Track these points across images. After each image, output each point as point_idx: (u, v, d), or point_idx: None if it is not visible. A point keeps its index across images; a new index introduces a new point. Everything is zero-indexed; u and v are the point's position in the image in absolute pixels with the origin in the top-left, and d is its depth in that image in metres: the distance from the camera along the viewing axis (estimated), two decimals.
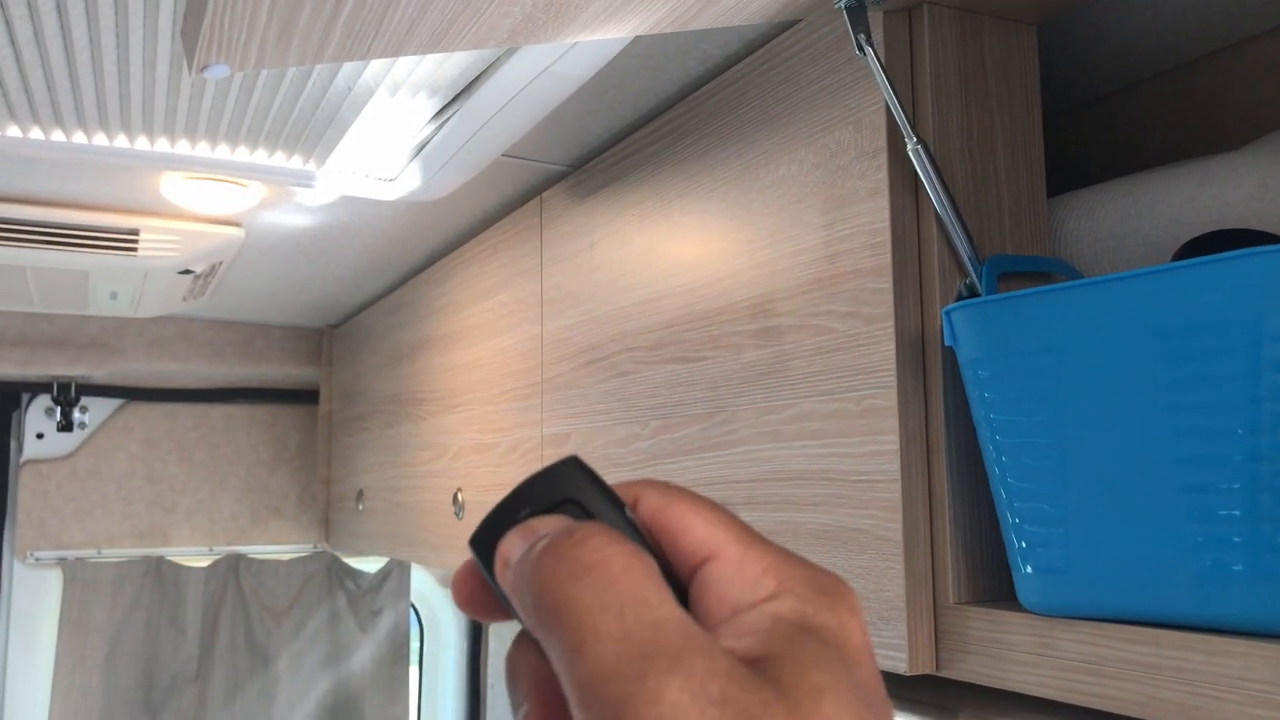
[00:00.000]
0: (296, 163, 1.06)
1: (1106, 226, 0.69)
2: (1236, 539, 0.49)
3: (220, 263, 1.56)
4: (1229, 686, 0.47)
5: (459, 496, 1.36)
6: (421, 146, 1.00)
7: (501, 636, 2.20)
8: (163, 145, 1.00)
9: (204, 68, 0.58)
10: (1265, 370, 0.48)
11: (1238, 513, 0.49)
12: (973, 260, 0.65)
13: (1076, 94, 0.89)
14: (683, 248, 0.89)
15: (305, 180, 1.10)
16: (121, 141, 0.99)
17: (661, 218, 0.93)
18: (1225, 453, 0.49)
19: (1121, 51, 0.82)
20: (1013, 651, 0.58)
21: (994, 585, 0.64)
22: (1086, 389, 0.54)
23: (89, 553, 2.03)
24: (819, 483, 0.70)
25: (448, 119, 0.93)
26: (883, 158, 0.67)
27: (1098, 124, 0.89)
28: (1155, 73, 0.84)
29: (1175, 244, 0.66)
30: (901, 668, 0.62)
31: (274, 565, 2.14)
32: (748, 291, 0.80)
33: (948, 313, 0.61)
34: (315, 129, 0.96)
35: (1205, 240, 0.64)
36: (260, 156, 1.04)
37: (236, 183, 1.20)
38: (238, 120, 0.94)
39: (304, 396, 2.23)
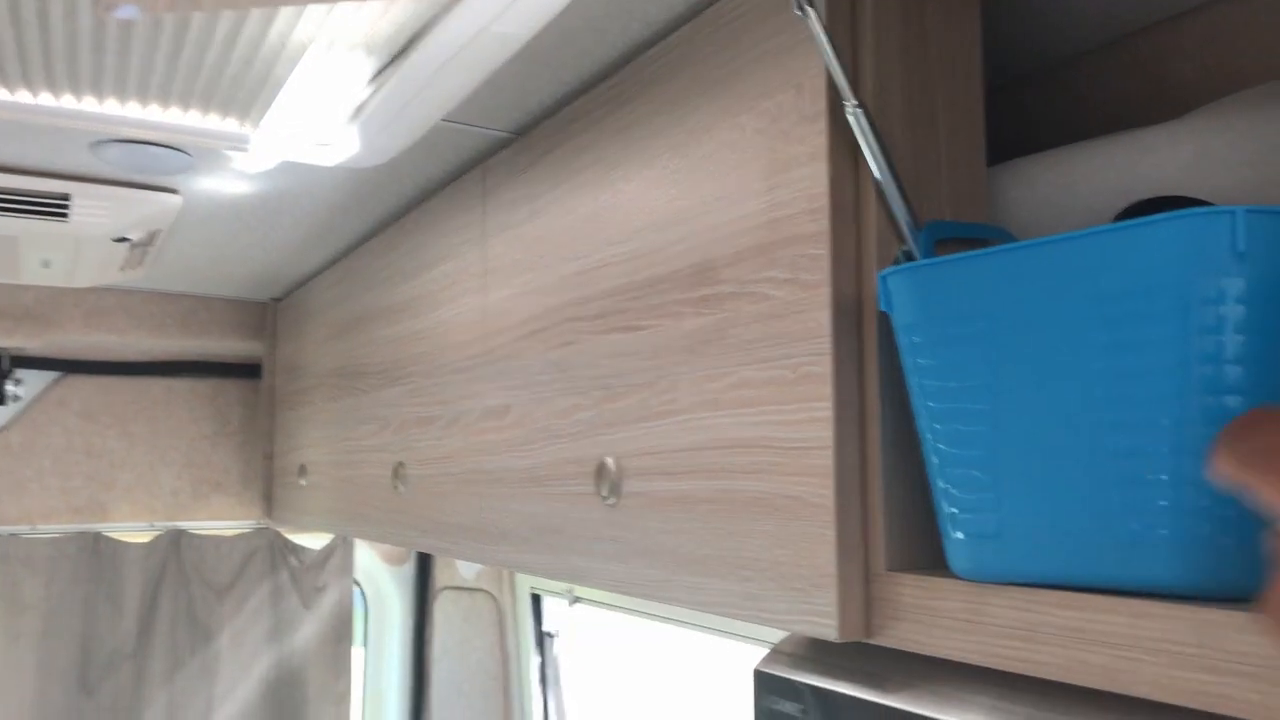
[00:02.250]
0: (231, 125, 1.03)
1: (1046, 195, 0.69)
2: (1163, 503, 0.49)
3: (158, 231, 1.52)
4: (1151, 649, 0.47)
5: (400, 471, 1.34)
6: (359, 109, 0.98)
7: (447, 613, 2.18)
8: (90, 103, 0.97)
9: (109, 8, 0.56)
10: (1193, 334, 0.48)
11: (1165, 477, 0.49)
12: (911, 226, 0.64)
13: (1020, 66, 0.89)
14: (626, 215, 0.88)
15: (240, 143, 1.07)
16: (47, 99, 0.95)
17: (605, 185, 0.91)
18: (1154, 417, 0.49)
19: (1065, 23, 0.82)
20: (942, 618, 0.58)
21: (926, 552, 0.64)
22: (1019, 354, 0.54)
23: (23, 529, 1.99)
24: (755, 450, 0.70)
25: (385, 80, 0.91)
26: (823, 122, 0.66)
27: (1041, 95, 0.89)
28: (1098, 44, 0.83)
29: (1113, 212, 0.66)
30: (832, 635, 0.62)
31: (215, 541, 2.11)
32: (689, 259, 0.79)
33: (883, 277, 0.60)
34: (248, 89, 0.94)
35: (1142, 207, 0.64)
36: (193, 118, 1.02)
37: (171, 146, 1.16)
38: (168, 78, 0.92)
39: (247, 370, 2.19)
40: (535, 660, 2.06)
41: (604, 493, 0.87)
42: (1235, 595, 0.47)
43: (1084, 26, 0.82)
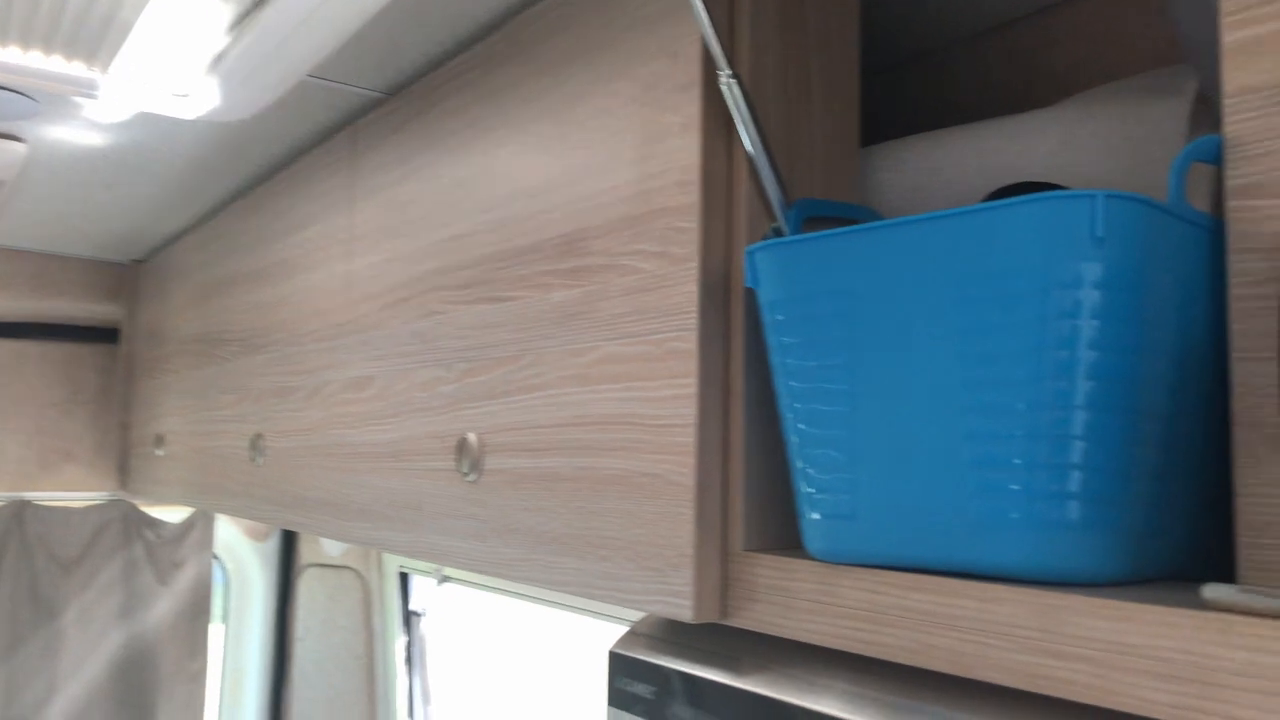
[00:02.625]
0: (77, 69, 0.96)
1: (915, 178, 0.69)
2: (1015, 487, 0.48)
3: (1, 182, 1.42)
4: (997, 633, 0.47)
5: (258, 442, 1.28)
6: (218, 60, 0.92)
7: (312, 590, 2.12)
8: None
9: None
10: (1051, 318, 0.47)
11: (1018, 461, 0.48)
12: (781, 203, 0.63)
13: (899, 50, 0.89)
14: (497, 182, 0.85)
15: (88, 89, 1.00)
16: None
17: (477, 150, 0.88)
18: (1009, 401, 0.49)
19: (944, 11, 0.82)
20: (797, 599, 0.57)
21: (786, 533, 0.63)
22: (879, 335, 0.53)
23: None
24: (619, 427, 0.68)
25: (245, 30, 0.85)
26: (696, 91, 0.64)
27: (920, 81, 0.89)
28: (975, 32, 0.84)
29: (980, 196, 0.66)
30: (687, 616, 0.60)
31: (64, 513, 2.00)
32: (559, 229, 0.77)
33: (750, 253, 0.59)
34: (94, 29, 0.87)
35: (1007, 193, 0.64)
36: (35, 58, 0.94)
37: (12, 89, 1.08)
38: (5, 14, 0.85)
39: (104, 335, 2.08)
40: (401, 640, 2.02)
41: (465, 469, 0.84)
42: (1082, 579, 0.47)
43: (961, 14, 0.82)
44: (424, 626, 2.02)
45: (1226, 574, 0.50)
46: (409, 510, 0.93)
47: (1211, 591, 0.40)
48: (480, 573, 0.82)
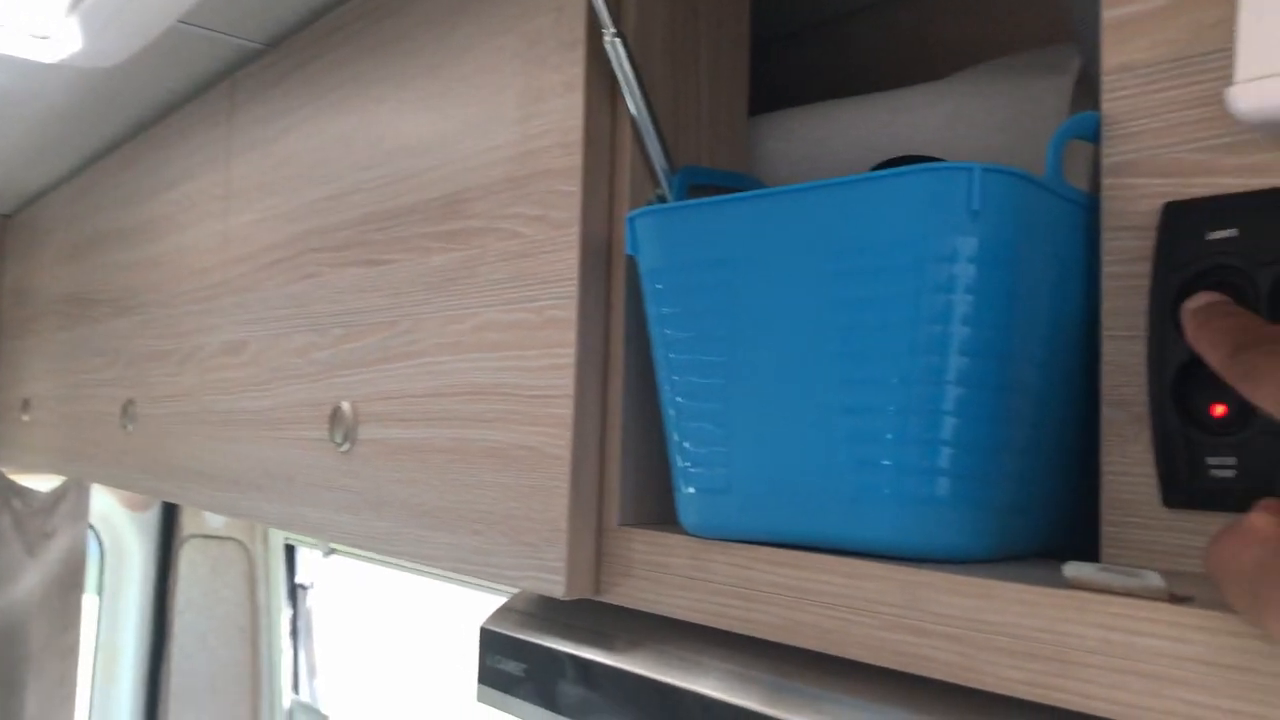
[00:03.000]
0: None
1: (803, 149, 0.68)
2: (887, 462, 0.48)
3: None
4: (863, 609, 0.47)
5: (129, 409, 1.23)
6: (79, 0, 0.87)
7: (193, 562, 2.05)
8: None
9: None
10: (926, 292, 0.47)
11: (890, 436, 0.48)
12: (665, 169, 0.61)
13: (789, 21, 0.88)
14: (377, 139, 0.81)
15: None
16: None
17: (357, 105, 0.84)
18: (885, 375, 0.48)
19: None
20: (670, 575, 0.56)
21: (663, 508, 0.62)
22: (758, 306, 0.52)
23: None
24: (495, 398, 0.66)
25: None
26: (581, 50, 0.62)
27: (809, 52, 0.88)
28: (866, 4, 0.83)
29: (868, 168, 0.65)
30: (559, 592, 0.59)
31: None
32: (440, 189, 0.74)
33: (630, 219, 0.57)
34: None
35: (894, 165, 0.63)
36: None
37: None
38: None
39: None
40: (287, 613, 1.97)
41: (338, 439, 0.81)
42: (951, 556, 0.47)
43: None
44: (310, 599, 1.97)
45: (1093, 552, 0.50)
46: (282, 481, 0.89)
47: (1072, 570, 0.39)
48: (352, 546, 0.79)
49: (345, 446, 0.80)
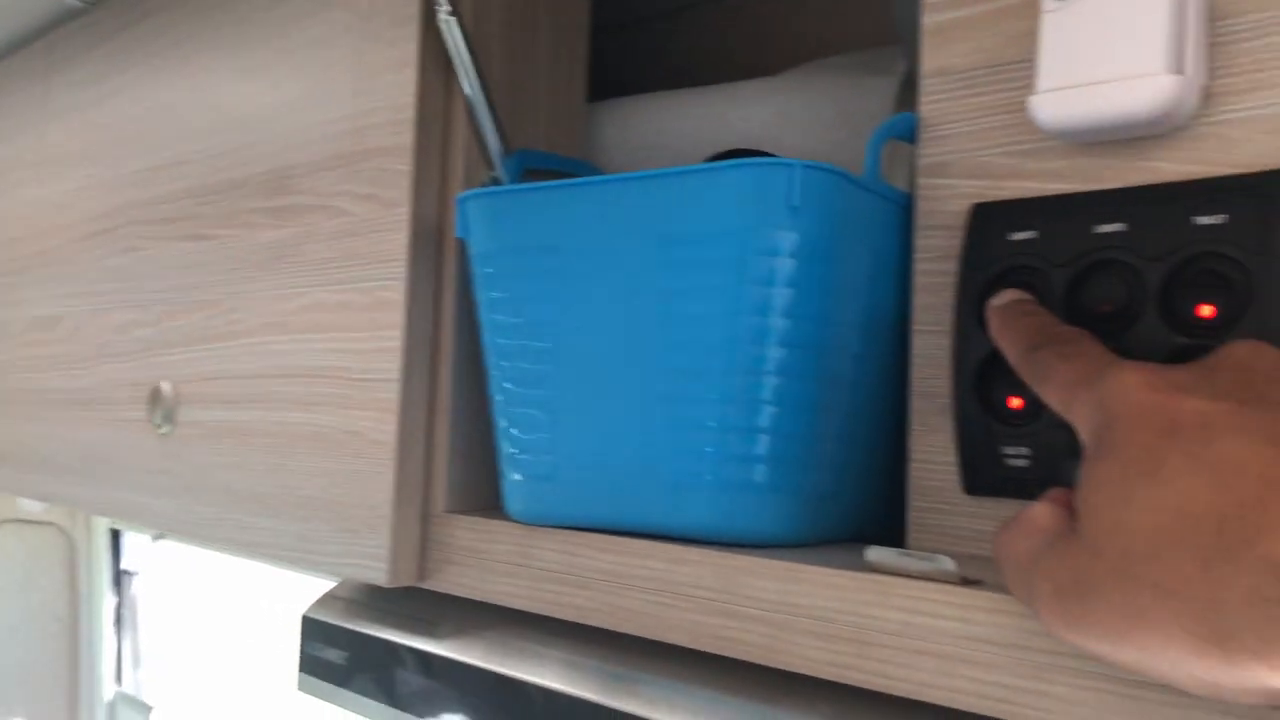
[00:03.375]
0: None
1: (641, 138, 0.68)
2: (708, 449, 0.49)
3: None
4: (682, 594, 0.47)
5: None
6: None
7: (7, 549, 1.93)
8: None
9: None
10: (747, 284, 0.48)
11: (712, 424, 0.49)
12: (500, 152, 0.61)
13: (629, 10, 0.88)
14: (205, 108, 0.78)
15: None
16: None
17: (184, 72, 0.80)
18: (707, 364, 0.49)
19: None
20: (495, 562, 0.56)
21: (489, 495, 0.62)
22: (586, 293, 0.52)
23: None
24: (320, 381, 0.64)
25: None
26: (415, 27, 0.61)
27: (648, 41, 0.89)
28: None
29: (702, 160, 0.66)
30: (382, 579, 0.58)
31: None
32: (269, 163, 0.71)
33: (461, 201, 0.56)
34: None
35: (725, 159, 0.64)
36: None
37: None
38: None
39: None
40: (111, 601, 1.88)
41: (158, 421, 0.77)
42: (766, 541, 0.48)
43: None
44: (137, 586, 1.88)
45: (902, 538, 0.53)
46: (98, 464, 0.85)
47: (874, 554, 0.41)
48: (173, 532, 0.76)
49: (165, 429, 0.77)
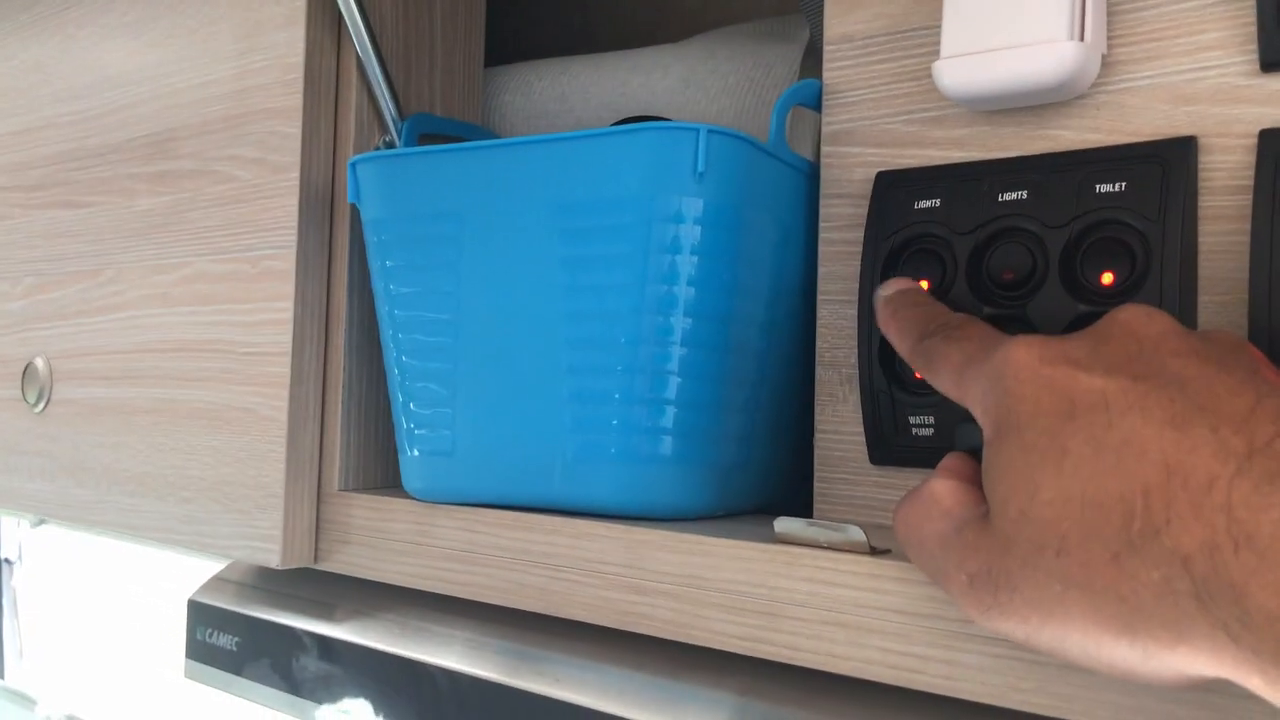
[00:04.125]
0: None
1: (541, 104, 0.66)
2: (614, 421, 0.47)
3: None
4: (588, 570, 0.46)
5: None
6: None
7: None
8: None
9: None
10: (653, 252, 0.46)
11: (617, 395, 0.47)
12: (394, 115, 0.58)
13: None
14: (77, 68, 0.73)
15: None
16: None
17: (54, 29, 0.76)
18: (612, 335, 0.47)
19: None
20: (392, 541, 0.54)
21: (386, 472, 0.60)
22: (484, 262, 0.50)
23: None
24: (206, 355, 0.61)
25: None
26: None
27: (549, 7, 0.87)
28: None
29: (603, 127, 0.64)
30: (274, 561, 0.55)
31: None
32: (148, 126, 0.67)
33: (353, 164, 0.54)
34: None
35: (628, 125, 0.63)
36: None
37: None
38: None
39: None
40: None
41: (31, 399, 0.73)
42: (674, 514, 0.47)
43: None
44: (17, 575, 1.80)
45: (809, 509, 0.52)
46: None
47: (782, 525, 0.40)
48: (50, 517, 0.72)
49: (40, 407, 0.72)
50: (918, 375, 0.44)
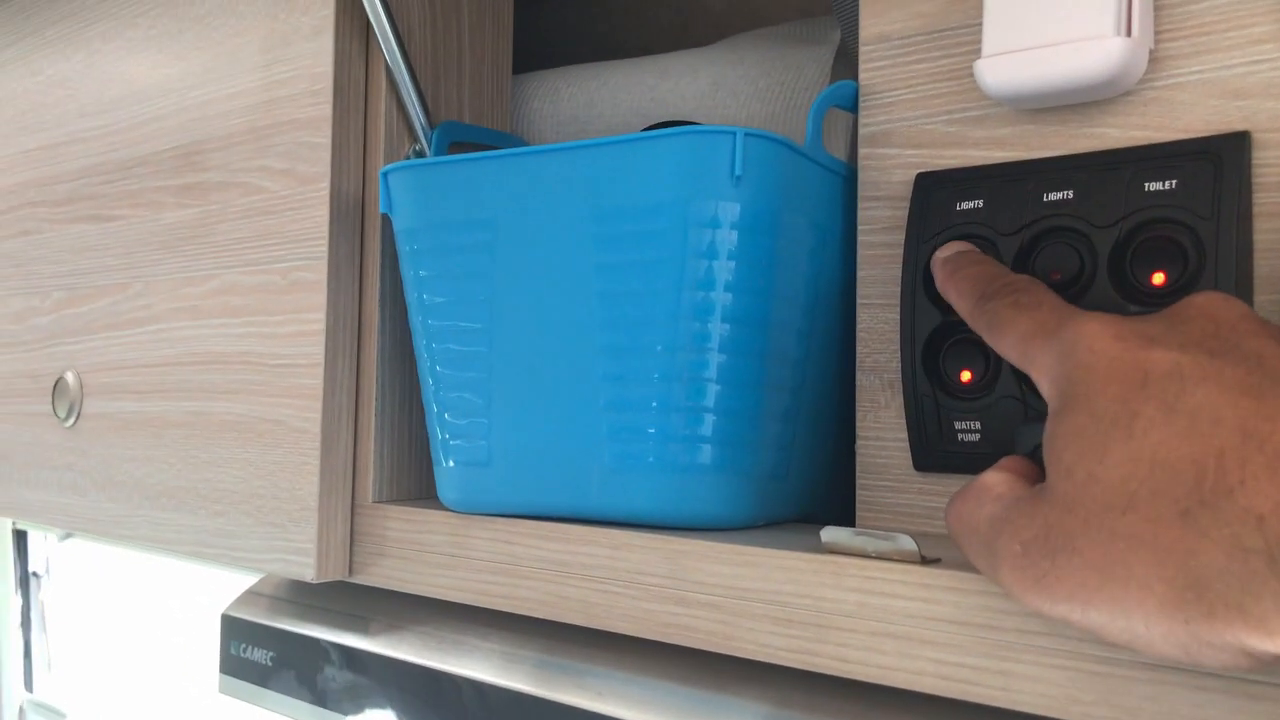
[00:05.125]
0: None
1: (570, 110, 0.66)
2: (651, 430, 0.47)
3: None
4: (629, 582, 0.46)
5: None
6: None
7: None
8: None
9: None
10: (689, 258, 0.46)
11: (654, 403, 0.47)
12: (424, 124, 0.58)
13: None
14: (103, 82, 0.73)
15: None
16: None
17: (79, 44, 0.76)
18: (649, 342, 0.47)
19: None
20: (429, 553, 0.53)
21: (421, 483, 0.59)
22: (520, 270, 0.50)
23: None
24: (237, 367, 0.61)
25: None
26: None
27: (575, 13, 0.86)
28: None
29: (632, 133, 0.64)
30: (309, 574, 0.55)
31: None
32: (174, 139, 0.67)
33: (385, 174, 0.53)
34: None
35: (658, 130, 0.62)
36: None
37: None
38: None
39: None
40: (17, 604, 1.80)
41: (62, 413, 0.73)
42: (714, 524, 0.47)
43: None
44: (45, 589, 1.81)
45: (850, 517, 0.52)
46: None
47: (829, 535, 0.39)
48: (81, 531, 0.72)
49: (70, 421, 0.72)
50: (962, 378, 0.43)
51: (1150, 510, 0.27)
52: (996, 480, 0.34)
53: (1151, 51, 0.41)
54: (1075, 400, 0.30)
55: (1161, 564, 0.27)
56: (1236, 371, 0.28)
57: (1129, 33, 0.40)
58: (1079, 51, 0.40)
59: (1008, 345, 0.36)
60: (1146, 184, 0.40)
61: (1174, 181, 0.39)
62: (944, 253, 0.42)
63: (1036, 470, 0.34)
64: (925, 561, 0.37)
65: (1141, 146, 0.40)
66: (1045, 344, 0.33)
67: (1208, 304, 0.31)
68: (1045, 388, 0.33)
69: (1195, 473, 0.26)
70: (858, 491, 0.46)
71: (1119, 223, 0.40)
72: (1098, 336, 0.31)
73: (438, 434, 0.53)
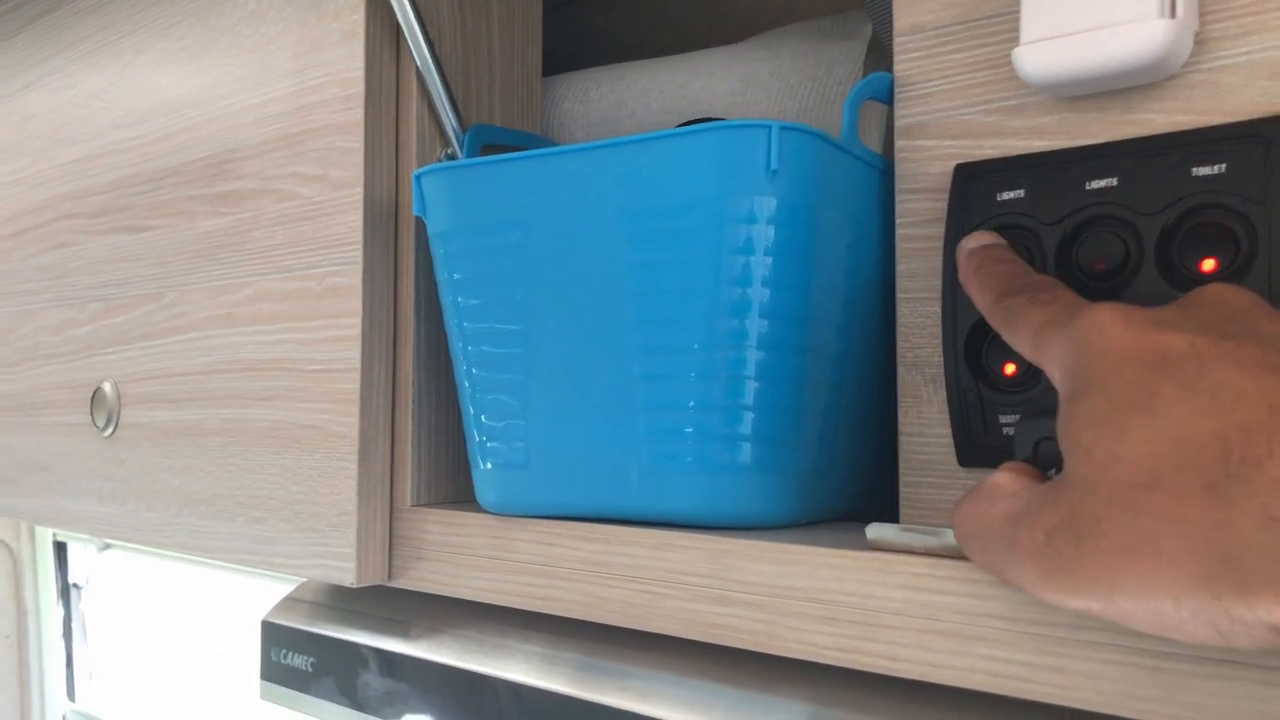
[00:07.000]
0: None
1: (600, 111, 0.66)
2: (689, 429, 0.46)
3: None
4: (671, 582, 0.45)
5: None
6: None
7: None
8: None
9: None
10: (725, 254, 0.45)
11: (692, 403, 0.46)
12: (455, 127, 0.58)
13: None
14: (135, 94, 0.74)
15: None
16: None
17: (111, 57, 0.76)
18: (685, 340, 0.46)
19: None
20: (468, 556, 0.53)
21: (459, 486, 0.59)
22: (556, 270, 0.49)
23: None
24: (272, 373, 0.61)
25: None
26: None
27: (601, 15, 0.86)
28: None
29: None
30: (349, 579, 0.55)
31: None
32: (206, 148, 0.67)
33: (417, 178, 0.53)
34: None
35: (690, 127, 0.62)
36: None
37: None
38: None
39: None
40: (58, 615, 1.82)
41: (100, 423, 0.73)
42: (755, 523, 0.46)
43: None
44: (85, 599, 1.83)
45: (894, 513, 0.51)
46: (36, 472, 0.80)
47: (874, 531, 0.39)
48: (121, 540, 0.72)
49: (108, 431, 0.73)
50: (1006, 371, 0.42)
51: (1176, 485, 0.26)
52: (1007, 479, 0.34)
53: (1196, 33, 0.40)
54: (1090, 384, 0.30)
55: (1190, 539, 0.26)
56: (1254, 351, 0.27)
57: (1173, 14, 0.39)
58: (1121, 35, 0.39)
59: (1022, 339, 0.35)
60: (1194, 169, 0.39)
61: (1223, 166, 0.38)
62: (970, 243, 0.42)
63: (1039, 473, 0.34)
64: None
65: (1188, 131, 0.40)
66: (1057, 334, 0.33)
67: (1219, 292, 0.31)
68: (1057, 376, 0.33)
69: (1220, 446, 0.26)
70: (901, 488, 0.46)
71: (1166, 209, 0.39)
72: (1110, 323, 0.31)
73: (475, 436, 0.53)
